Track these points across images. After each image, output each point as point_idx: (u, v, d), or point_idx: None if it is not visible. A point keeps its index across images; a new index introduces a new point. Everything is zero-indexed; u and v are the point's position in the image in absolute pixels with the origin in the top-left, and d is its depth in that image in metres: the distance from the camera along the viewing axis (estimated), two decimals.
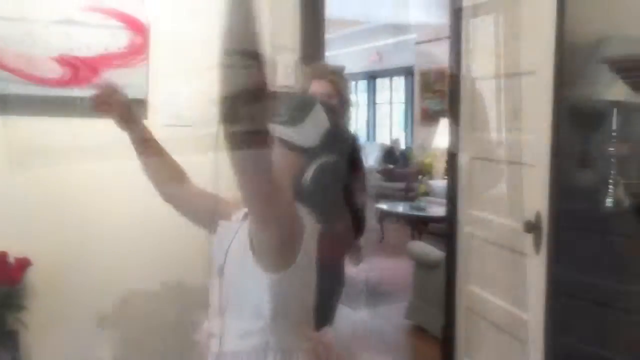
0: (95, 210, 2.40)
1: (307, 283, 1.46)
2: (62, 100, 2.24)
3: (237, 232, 1.44)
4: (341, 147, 1.44)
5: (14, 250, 2.18)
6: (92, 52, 2.25)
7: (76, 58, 2.22)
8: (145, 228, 2.42)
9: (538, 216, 2.21)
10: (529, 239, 2.27)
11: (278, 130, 1.35)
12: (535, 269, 2.26)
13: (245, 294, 1.40)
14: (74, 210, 2.37)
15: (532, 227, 2.24)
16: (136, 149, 1.65)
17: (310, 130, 1.38)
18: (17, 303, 2.19)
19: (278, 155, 1.32)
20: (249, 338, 1.40)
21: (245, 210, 1.45)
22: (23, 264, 2.18)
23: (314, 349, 1.49)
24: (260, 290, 1.37)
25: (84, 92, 2.21)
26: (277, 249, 1.34)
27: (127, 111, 1.59)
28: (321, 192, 1.39)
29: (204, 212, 1.57)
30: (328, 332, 1.59)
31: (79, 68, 2.24)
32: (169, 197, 1.68)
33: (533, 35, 2.27)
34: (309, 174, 1.38)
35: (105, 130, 2.25)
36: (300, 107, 1.40)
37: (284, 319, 1.41)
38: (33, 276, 2.26)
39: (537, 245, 2.23)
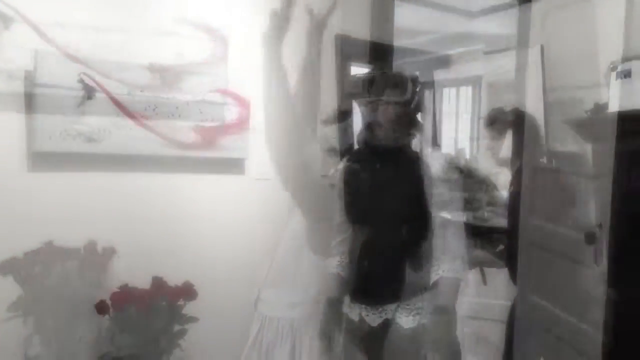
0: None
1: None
2: (194, 160, 2.93)
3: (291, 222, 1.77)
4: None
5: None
6: (215, 123, 2.97)
7: (205, 127, 2.94)
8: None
9: (599, 227, 2.21)
10: (589, 250, 2.27)
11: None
12: (594, 281, 2.25)
13: (298, 273, 1.72)
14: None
15: (592, 238, 2.24)
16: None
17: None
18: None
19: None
20: (296, 308, 1.71)
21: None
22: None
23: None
24: (311, 272, 1.70)
25: (209, 152, 2.96)
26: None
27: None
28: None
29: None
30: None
31: (206, 135, 2.94)
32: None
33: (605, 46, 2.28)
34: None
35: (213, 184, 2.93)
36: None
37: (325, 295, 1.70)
38: None
39: (597, 256, 2.23)
